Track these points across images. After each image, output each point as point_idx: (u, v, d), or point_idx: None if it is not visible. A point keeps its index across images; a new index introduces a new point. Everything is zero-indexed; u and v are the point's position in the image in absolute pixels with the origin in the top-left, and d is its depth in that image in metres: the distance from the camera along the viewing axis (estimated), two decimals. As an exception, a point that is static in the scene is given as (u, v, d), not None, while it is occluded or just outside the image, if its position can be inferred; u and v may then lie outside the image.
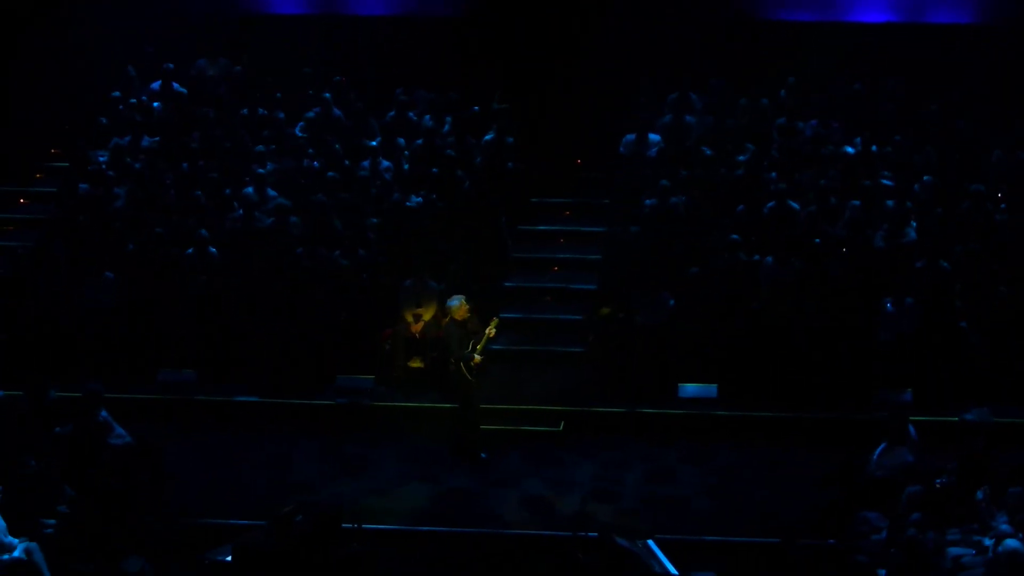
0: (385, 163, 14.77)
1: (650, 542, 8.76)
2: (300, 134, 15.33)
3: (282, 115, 15.33)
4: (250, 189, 14.61)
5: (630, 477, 11.39)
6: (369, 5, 16.08)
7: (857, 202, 13.37)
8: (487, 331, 11.33)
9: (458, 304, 11.45)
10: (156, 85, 15.75)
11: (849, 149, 14.37)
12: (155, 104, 15.53)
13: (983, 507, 8.73)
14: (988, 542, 8.18)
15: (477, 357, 11.27)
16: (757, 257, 13.16)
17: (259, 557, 8.70)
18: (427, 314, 13.04)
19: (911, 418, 10.31)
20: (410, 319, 13.00)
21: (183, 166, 14.60)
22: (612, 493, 11.09)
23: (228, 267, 13.47)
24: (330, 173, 14.71)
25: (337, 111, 15.21)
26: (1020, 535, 8.13)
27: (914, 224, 13.19)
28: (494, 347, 12.13)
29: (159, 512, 10.00)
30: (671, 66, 15.16)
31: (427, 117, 15.34)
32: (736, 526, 10.24)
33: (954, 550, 8.49)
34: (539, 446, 11.99)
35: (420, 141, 14.99)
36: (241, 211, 14.05)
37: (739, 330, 12.62)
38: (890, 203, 13.38)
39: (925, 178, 13.80)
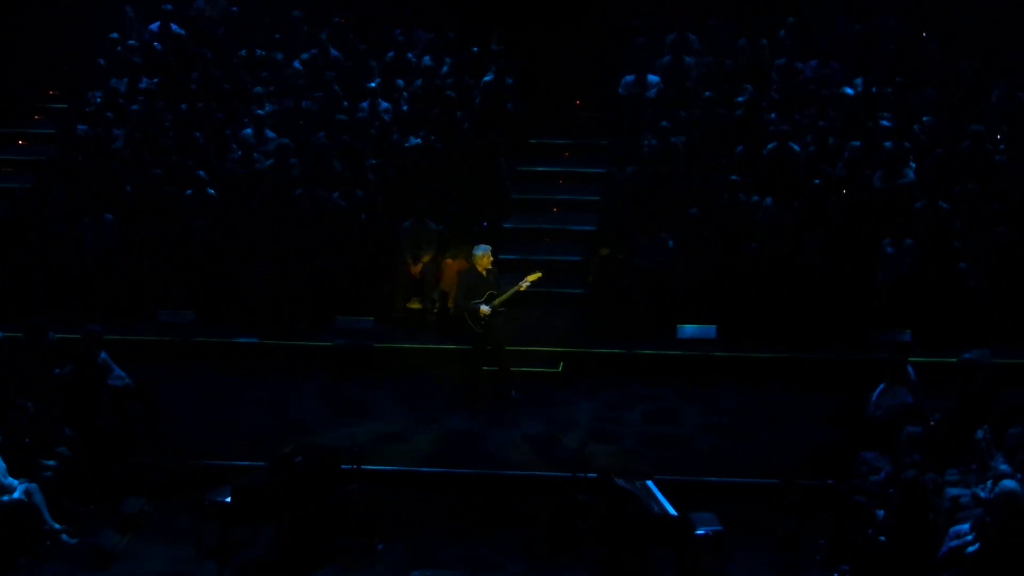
0: (384, 104, 14.60)
1: (649, 483, 8.64)
2: (298, 68, 15.19)
3: (280, 56, 15.62)
4: (249, 130, 14.67)
5: (629, 418, 11.30)
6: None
7: (856, 143, 13.19)
8: (518, 284, 11.08)
9: (482, 253, 11.29)
10: (154, 26, 15.58)
11: (849, 90, 14.23)
12: (154, 45, 15.29)
13: (982, 447, 8.61)
14: (984, 494, 8.10)
15: (484, 309, 11.06)
16: (756, 198, 13.01)
17: (258, 498, 8.60)
18: (426, 256, 12.97)
19: (910, 359, 10.17)
20: (409, 261, 12.88)
21: (181, 107, 14.42)
22: (611, 434, 10.99)
23: (227, 208, 13.30)
24: (337, 116, 14.63)
25: (335, 52, 15.03)
26: (1019, 476, 8.02)
27: (913, 165, 13.04)
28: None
29: (158, 453, 9.94)
30: (670, 6, 14.98)
31: (426, 58, 15.16)
32: (736, 467, 10.15)
33: (952, 490, 8.43)
34: (538, 387, 11.86)
35: (419, 82, 14.83)
36: (240, 152, 13.92)
37: (738, 271, 12.48)
38: (889, 144, 13.15)
39: (924, 119, 13.67)
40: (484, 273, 11.26)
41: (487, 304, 11.19)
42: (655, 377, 12.04)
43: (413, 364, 12.31)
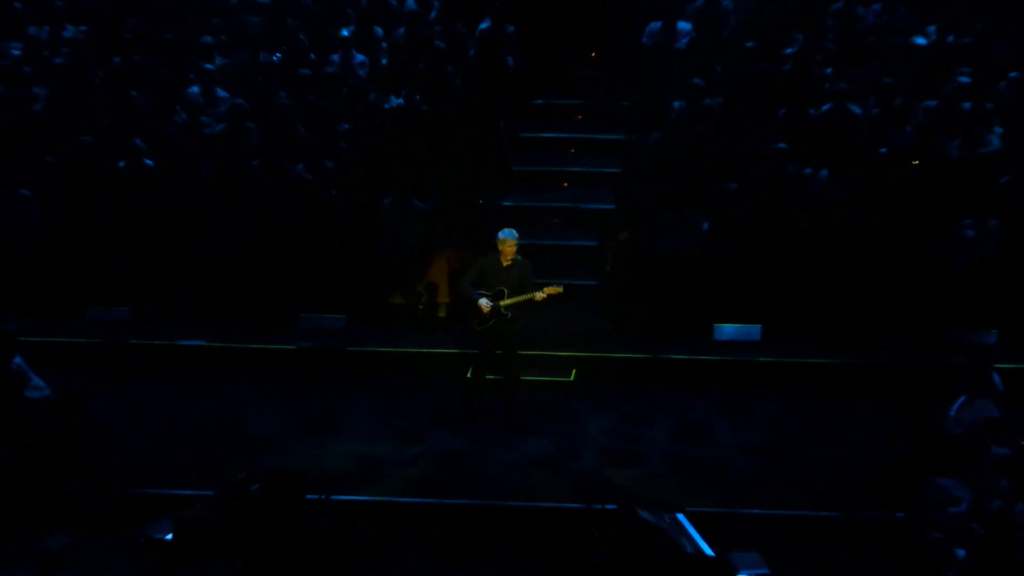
0: (359, 57, 14.61)
1: (680, 516, 8.65)
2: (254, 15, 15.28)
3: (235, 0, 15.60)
4: (196, 89, 14.52)
5: (655, 435, 11.38)
6: None
7: (930, 103, 13.28)
8: (533, 292, 11.07)
9: (504, 238, 11.17)
10: (82, -39, 15.26)
11: (919, 40, 14.23)
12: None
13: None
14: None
15: (483, 304, 11.06)
16: (808, 171, 13.07)
17: (206, 534, 8.42)
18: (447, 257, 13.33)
19: (995, 364, 10.26)
20: (448, 257, 13.24)
21: (114, 61, 14.34)
22: (633, 455, 11.05)
23: (169, 183, 13.33)
24: (302, 71, 14.67)
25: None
26: None
27: (998, 130, 13.04)
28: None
29: (87, 479, 9.98)
30: (704, -63, 14.64)
31: (410, 0, 15.13)
32: (783, 495, 10.17)
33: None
34: (546, 399, 12.00)
35: (402, 30, 14.82)
36: (185, 115, 13.87)
37: (786, 259, 12.61)
38: (968, 105, 13.23)
39: (1011, 74, 13.61)
40: (506, 263, 11.19)
41: (491, 300, 11.13)
42: (686, 386, 12.16)
43: (395, 370, 12.44)
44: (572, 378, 12.32)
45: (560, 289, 11.09)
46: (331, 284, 13.18)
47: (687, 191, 13.10)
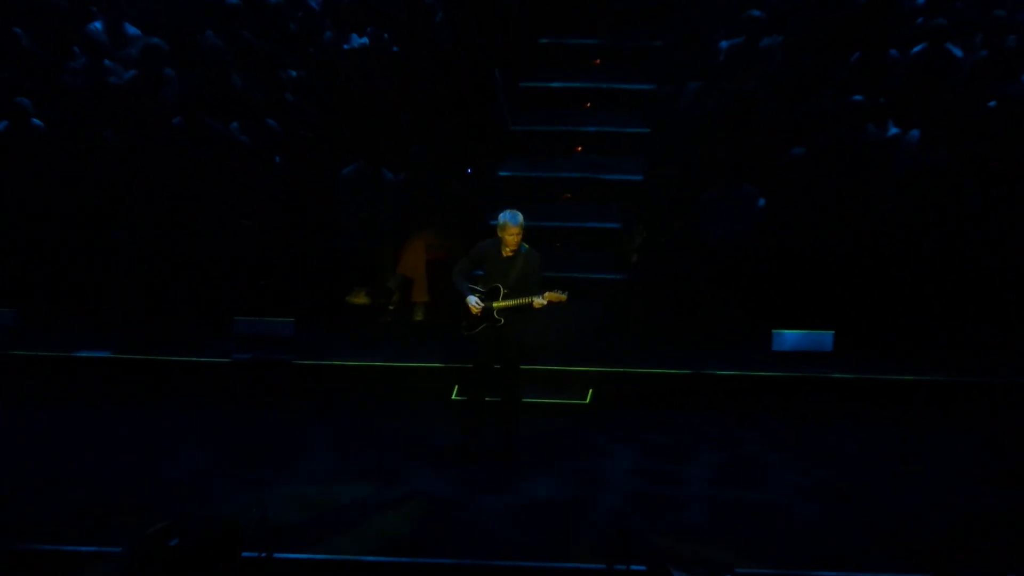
0: None
1: None
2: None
3: None
4: (98, 24, 14.48)
5: (693, 474, 11.38)
6: None
7: None
8: (532, 298, 11.12)
9: (505, 222, 11.13)
10: None
11: None
12: None
13: None
14: None
15: (472, 303, 11.15)
16: (894, 130, 13.09)
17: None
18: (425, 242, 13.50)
19: None
20: (419, 242, 13.43)
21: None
22: (668, 500, 11.03)
23: (65, 148, 13.36)
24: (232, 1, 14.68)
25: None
26: None
27: None
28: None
29: None
30: None
31: None
32: (858, 551, 10.13)
33: None
34: (555, 427, 12.08)
35: None
36: (84, 59, 13.91)
37: (864, 246, 12.73)
38: None
39: None
40: (507, 254, 11.23)
41: (483, 299, 11.21)
42: (735, 411, 12.21)
43: (359, 390, 12.51)
44: (588, 400, 12.39)
45: (563, 296, 11.17)
46: (275, 279, 13.30)
47: (737, 158, 13.19)
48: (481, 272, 11.33)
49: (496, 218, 11.19)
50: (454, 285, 11.34)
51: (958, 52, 13.59)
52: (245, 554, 9.23)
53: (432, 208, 13.60)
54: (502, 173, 14.50)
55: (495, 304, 11.21)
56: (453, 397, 12.25)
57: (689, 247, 13.12)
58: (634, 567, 9.19)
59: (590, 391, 12.47)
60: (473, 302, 11.23)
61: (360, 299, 13.44)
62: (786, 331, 12.61)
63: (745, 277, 12.96)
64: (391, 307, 13.43)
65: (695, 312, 13.02)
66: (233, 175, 13.44)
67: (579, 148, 14.88)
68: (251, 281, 13.42)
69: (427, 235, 13.48)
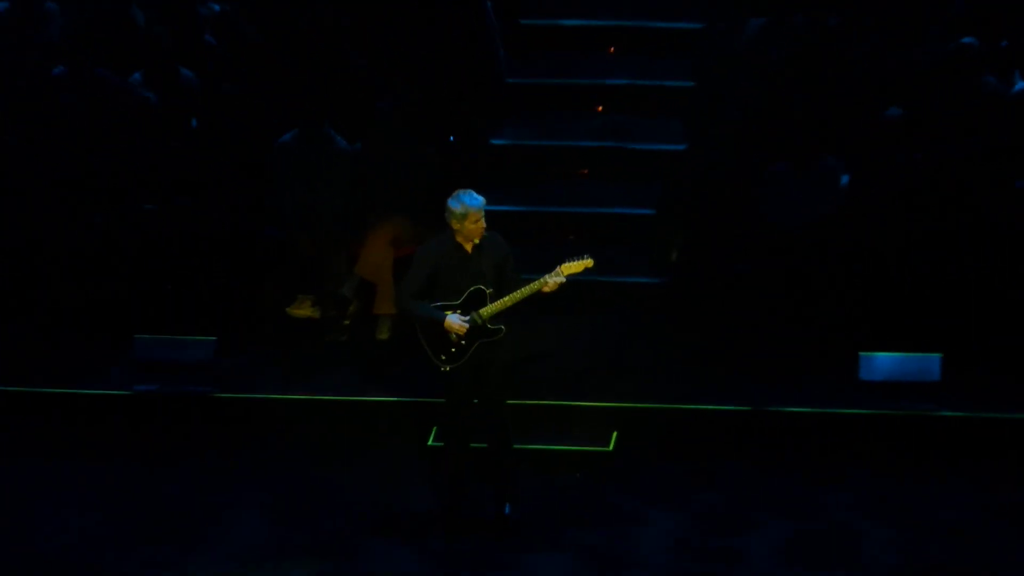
0: None
1: None
2: None
3: None
4: None
5: (756, 549, 11.17)
6: None
7: None
8: (543, 279, 11.05)
9: (464, 209, 10.94)
10: None
11: None
12: None
13: None
14: None
15: (454, 323, 10.97)
16: (1021, 85, 13.19)
17: None
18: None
19: None
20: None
21: None
22: None
23: None
24: None
25: None
26: None
27: None
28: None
29: None
30: None
31: None
32: None
33: None
34: (567, 484, 12.01)
35: None
36: None
37: (983, 239, 12.83)
38: None
39: None
40: (468, 248, 11.08)
41: (466, 314, 10.99)
42: (809, 461, 12.14)
43: (301, 434, 12.46)
44: (612, 447, 12.27)
45: (589, 262, 11.05)
46: (190, 283, 13.35)
47: (812, 121, 13.27)
48: (438, 284, 11.22)
49: (451, 207, 10.99)
50: (409, 314, 11.23)
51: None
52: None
53: (401, 188, 13.54)
54: (496, 141, 14.54)
55: (484, 312, 11.04)
56: (429, 443, 12.15)
57: (748, 240, 13.16)
58: None
59: (614, 435, 12.34)
60: (456, 322, 11.00)
61: (304, 311, 13.48)
62: (878, 354, 12.53)
63: (824, 281, 13.01)
64: (346, 322, 13.40)
65: (755, 328, 13.08)
66: (133, 142, 13.46)
67: (600, 108, 14.86)
68: (156, 286, 13.41)
69: (395, 224, 13.41)
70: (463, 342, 11.03)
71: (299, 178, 13.53)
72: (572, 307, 12.93)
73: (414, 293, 11.08)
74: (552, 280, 10.96)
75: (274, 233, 13.50)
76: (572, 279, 11.14)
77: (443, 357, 11.08)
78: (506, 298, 10.99)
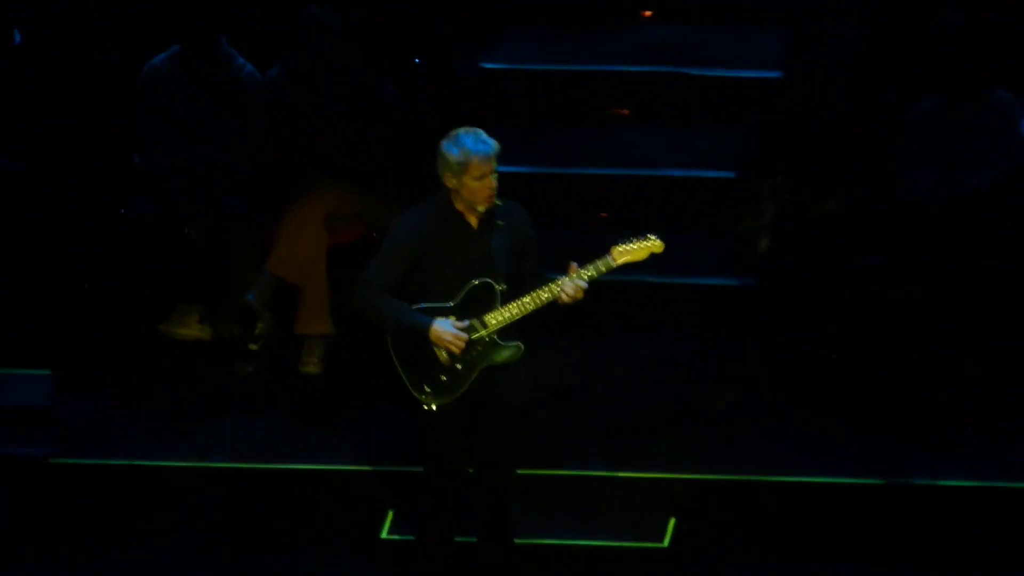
0: None
1: None
2: None
3: None
4: None
5: None
6: None
7: None
8: (606, 259, 11.07)
9: (465, 157, 10.88)
10: None
11: None
12: None
13: None
14: None
15: (445, 337, 10.89)
16: None
17: None
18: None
19: None
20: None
21: None
22: None
23: None
24: None
25: None
26: None
27: None
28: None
29: None
30: None
31: None
32: None
33: None
34: None
35: None
36: None
37: None
38: None
39: None
40: (472, 220, 11.15)
41: (465, 319, 10.96)
42: (981, 566, 11.94)
43: (191, 515, 12.41)
44: (667, 542, 12.17)
45: (657, 245, 11.20)
46: (12, 287, 13.57)
47: (975, 40, 13.69)
48: (422, 275, 11.21)
49: (446, 154, 10.95)
50: (377, 316, 11.11)
51: None
52: None
53: (340, 137, 13.75)
54: (488, 65, 14.83)
55: (490, 320, 10.93)
56: (383, 535, 12.14)
57: (878, 220, 13.32)
58: None
59: (670, 523, 12.23)
60: (449, 331, 10.86)
61: (188, 330, 13.75)
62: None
63: (999, 283, 13.27)
64: (253, 346, 13.61)
65: (889, 357, 13.37)
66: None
67: (647, 12, 14.98)
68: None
69: (330, 195, 13.64)
70: (458, 366, 10.91)
71: (181, 123, 13.68)
72: (612, 323, 13.24)
73: (386, 285, 11.00)
74: (620, 254, 10.97)
75: (142, 211, 13.70)
76: (616, 277, 11.16)
77: (427, 388, 10.99)
78: (526, 299, 10.91)
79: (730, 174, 14.05)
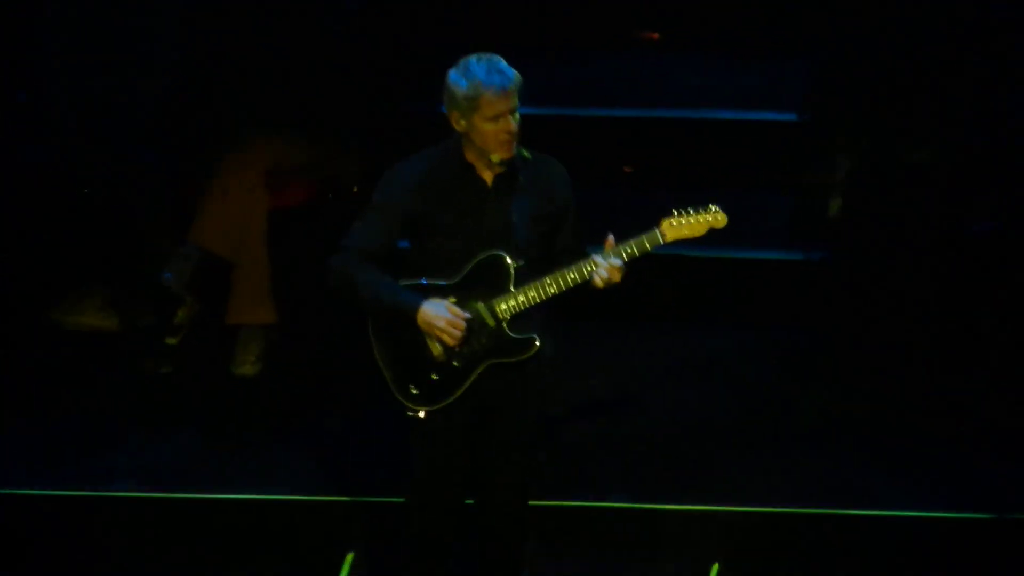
0: None
1: None
2: None
3: None
4: None
5: None
6: None
7: None
8: (655, 232, 10.74)
9: (473, 90, 10.64)
10: None
11: None
12: None
13: None
14: None
15: (437, 323, 10.64)
16: None
17: None
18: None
19: None
20: None
21: None
22: None
23: None
24: None
25: None
26: None
27: None
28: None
29: None
30: None
31: None
32: None
33: None
34: None
35: None
36: None
37: None
38: None
39: None
40: (487, 176, 10.87)
41: (467, 300, 10.72)
42: None
43: (87, 563, 12.35)
44: None
45: (718, 218, 10.82)
46: None
47: None
48: (419, 244, 10.96)
49: (452, 85, 10.59)
50: (353, 292, 10.79)
51: None
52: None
53: (281, 61, 13.86)
54: None
55: (500, 305, 10.62)
56: None
57: (989, 172, 13.23)
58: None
59: (714, 568, 12.10)
60: (443, 316, 10.56)
61: (90, 319, 13.98)
62: None
63: None
64: (171, 339, 13.70)
65: (998, 353, 13.67)
66: None
67: None
68: None
69: (269, 141, 13.52)
70: (454, 362, 10.71)
71: (76, 51, 13.49)
72: (644, 310, 13.03)
73: (368, 254, 10.79)
74: (671, 227, 10.59)
75: (27, 162, 13.95)
76: (664, 252, 10.83)
77: (412, 390, 10.80)
78: (548, 280, 10.61)
79: (792, 116, 13.87)
